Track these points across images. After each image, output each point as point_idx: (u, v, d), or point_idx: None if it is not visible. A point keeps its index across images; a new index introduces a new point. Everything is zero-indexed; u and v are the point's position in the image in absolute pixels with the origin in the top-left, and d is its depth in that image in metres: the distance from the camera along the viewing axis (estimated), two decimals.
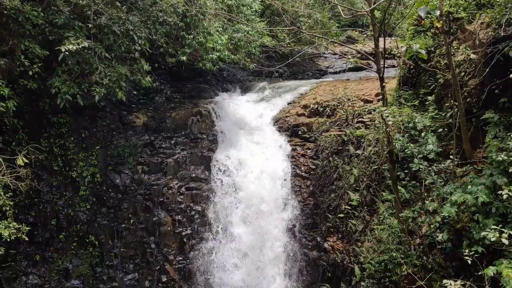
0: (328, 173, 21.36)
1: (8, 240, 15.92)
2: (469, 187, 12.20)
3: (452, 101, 14.33)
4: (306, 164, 22.73)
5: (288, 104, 26.41)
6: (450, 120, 14.59)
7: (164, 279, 22.41)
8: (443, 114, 15.63)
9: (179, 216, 22.96)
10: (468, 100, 14.35)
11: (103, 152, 22.41)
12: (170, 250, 22.67)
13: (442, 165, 14.34)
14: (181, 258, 22.74)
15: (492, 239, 10.54)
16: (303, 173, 22.63)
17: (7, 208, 16.57)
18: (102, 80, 18.10)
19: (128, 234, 22.17)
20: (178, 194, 23.11)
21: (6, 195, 16.70)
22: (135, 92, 24.55)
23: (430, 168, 14.49)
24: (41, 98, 19.68)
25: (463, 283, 10.95)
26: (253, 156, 23.69)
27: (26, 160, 16.92)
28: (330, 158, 21.31)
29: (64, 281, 20.14)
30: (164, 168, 23.22)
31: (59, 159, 20.92)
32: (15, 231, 16.15)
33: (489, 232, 10.72)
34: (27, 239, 16.75)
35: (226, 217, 22.97)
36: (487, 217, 11.78)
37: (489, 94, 13.47)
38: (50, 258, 20.12)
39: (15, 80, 17.79)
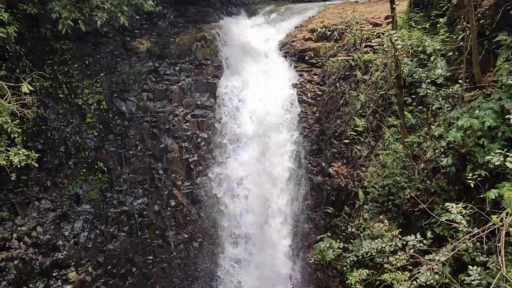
0: (334, 99, 21.17)
1: (19, 166, 16.20)
2: (477, 111, 12.04)
3: (464, 22, 13.81)
4: (312, 90, 22.49)
5: (295, 28, 25.69)
6: (461, 43, 14.14)
7: (172, 203, 23.04)
8: (454, 37, 15.13)
9: (186, 143, 23.19)
10: (481, 21, 13.81)
11: (107, 79, 22.26)
12: (177, 176, 23.13)
13: (450, 89, 14.08)
14: (188, 184, 23.25)
15: (496, 163, 10.54)
16: (309, 100, 22.45)
17: (16, 135, 16.73)
18: (103, 4, 17.62)
19: (136, 161, 22.53)
20: (184, 121, 23.19)
21: (14, 122, 16.82)
22: (137, 17, 23.87)
23: (438, 93, 14.26)
24: (42, 23, 19.27)
25: (464, 205, 11.12)
26: (259, 82, 23.42)
27: (31, 88, 16.84)
28: (337, 84, 21.03)
29: (75, 205, 20.76)
30: (169, 95, 23.12)
31: (64, 86, 20.82)
32: (24, 157, 16.40)
33: (494, 156, 10.70)
34: (37, 165, 17.07)
35: (233, 143, 23.22)
36: (492, 142, 11.72)
37: (503, 15, 12.93)
38: (61, 183, 20.61)
39: (14, 5, 17.33)
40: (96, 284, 20.89)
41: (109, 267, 21.38)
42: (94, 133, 21.67)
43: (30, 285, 18.60)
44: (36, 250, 19.09)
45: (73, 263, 20.11)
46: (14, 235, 18.51)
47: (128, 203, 22.13)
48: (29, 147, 18.23)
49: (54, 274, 19.48)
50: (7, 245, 18.20)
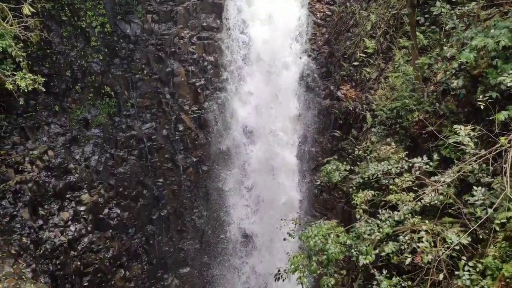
0: (344, 20, 20.52)
1: (26, 91, 16.20)
2: (492, 30, 11.61)
3: None
4: (322, 10, 21.75)
5: None
6: None
7: (180, 128, 23.17)
8: None
9: (192, 67, 22.87)
10: None
11: (110, 1, 21.55)
12: (185, 100, 23.06)
13: (466, 8, 13.52)
14: (196, 108, 23.23)
15: (509, 84, 10.32)
16: (318, 20, 21.78)
17: (21, 59, 16.56)
18: None
19: (142, 85, 22.38)
20: (190, 44, 22.71)
21: (18, 46, 16.59)
22: None
23: (452, 12, 13.70)
24: None
25: (473, 127, 11.05)
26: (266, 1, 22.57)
27: (32, 9, 16.39)
28: (347, 3, 20.29)
29: (84, 130, 20.96)
30: (174, 16, 22.45)
31: (66, 8, 20.24)
32: (31, 82, 16.34)
33: (507, 76, 10.46)
34: (44, 89, 17.04)
35: (239, 64, 22.91)
36: (506, 62, 11.41)
37: None
38: (69, 108, 20.68)
39: None
40: (109, 205, 21.58)
41: (120, 189, 21.95)
42: (99, 57, 21.37)
43: (45, 207, 19.24)
44: (49, 173, 19.54)
45: (85, 186, 20.65)
46: (27, 159, 18.88)
47: (136, 128, 22.28)
48: (35, 72, 18.10)
49: (67, 196, 20.08)
50: (20, 168, 18.62)
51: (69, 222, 19.95)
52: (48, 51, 19.99)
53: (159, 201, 23.49)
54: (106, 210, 21.45)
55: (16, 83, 16.03)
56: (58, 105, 20.30)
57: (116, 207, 21.80)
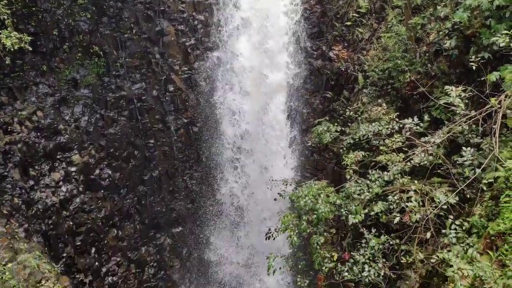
0: None
1: (12, 50, 15.88)
2: None
3: None
4: None
5: None
6: None
7: (171, 88, 22.95)
8: None
9: (182, 26, 22.44)
10: None
11: None
12: (175, 60, 22.74)
13: None
14: (186, 68, 22.94)
15: (502, 44, 10.28)
16: None
17: (5, 17, 16.16)
18: None
19: (131, 44, 21.97)
20: (180, 2, 22.19)
21: (1, 3, 16.15)
22: None
23: None
24: None
25: (464, 88, 11.07)
26: None
27: None
28: None
29: (73, 90, 20.67)
30: None
31: None
32: (17, 40, 16.01)
33: (500, 37, 10.41)
34: (30, 49, 16.74)
35: (231, 26, 22.52)
36: (500, 22, 11.32)
37: None
38: (57, 68, 20.31)
39: None
40: (100, 166, 21.56)
41: (111, 150, 21.90)
42: (87, 15, 20.84)
43: (36, 167, 19.20)
44: (38, 134, 19.39)
45: (75, 146, 20.57)
46: (15, 120, 18.68)
47: (126, 88, 22.03)
48: (20, 30, 17.68)
49: (58, 157, 20.02)
50: (9, 129, 18.45)
51: (61, 183, 19.97)
52: (34, 8, 19.44)
53: (150, 162, 23.51)
54: (97, 171, 21.46)
55: (1, 41, 15.69)
56: (46, 64, 19.92)
57: (107, 167, 21.81)
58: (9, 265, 14.33)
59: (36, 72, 19.71)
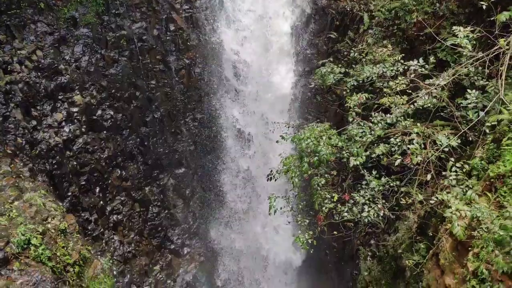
0: None
1: None
2: None
3: None
4: None
5: None
6: None
7: (172, 27, 22.42)
8: None
9: None
10: None
11: None
12: None
13: None
14: (187, 7, 22.29)
15: None
16: None
17: None
18: None
19: None
20: None
21: None
22: None
23: None
24: None
25: (472, 29, 10.79)
26: None
27: None
28: None
29: (73, 29, 20.23)
30: None
31: None
32: None
33: None
34: None
35: None
36: None
37: None
38: (55, 6, 19.74)
39: None
40: (102, 107, 21.50)
41: (113, 91, 21.75)
42: None
43: (38, 108, 19.16)
44: (39, 73, 19.19)
45: (77, 87, 20.42)
46: (15, 59, 18.42)
47: (126, 27, 21.54)
48: None
49: (59, 97, 19.92)
50: (9, 69, 18.23)
51: (63, 123, 20.01)
52: None
53: (152, 103, 23.42)
54: (99, 112, 21.43)
55: None
56: (43, 2, 19.38)
57: (109, 108, 21.76)
58: (16, 203, 14.61)
59: (33, 10, 19.20)
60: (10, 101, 18.01)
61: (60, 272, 14.19)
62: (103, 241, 22.38)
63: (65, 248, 14.84)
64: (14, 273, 12.52)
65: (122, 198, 23.23)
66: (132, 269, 24.17)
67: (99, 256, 19.72)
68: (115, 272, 22.38)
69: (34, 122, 18.86)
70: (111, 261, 20.89)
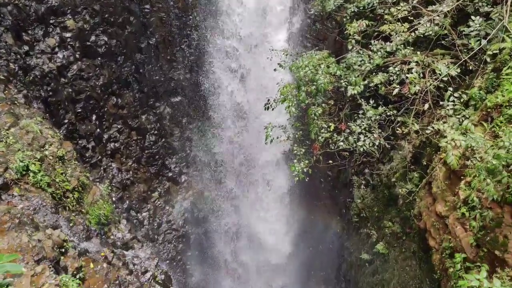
0: None
1: None
2: None
3: None
4: None
5: None
6: None
7: None
8: None
9: None
10: None
11: None
12: None
13: None
14: None
15: None
16: None
17: None
18: None
19: None
20: None
21: None
22: None
23: None
24: None
25: None
26: None
27: None
28: None
29: None
30: None
31: None
32: None
33: None
34: None
35: None
36: None
37: None
38: None
39: None
40: (95, 32, 20.90)
41: (106, 15, 21.05)
42: None
43: (29, 32, 18.58)
44: None
45: (69, 11, 19.71)
46: None
47: None
48: None
49: (51, 22, 19.27)
50: None
51: (56, 49, 19.52)
52: None
53: (147, 29, 22.79)
54: (93, 37, 20.86)
55: None
56: None
57: (103, 34, 21.16)
58: (12, 130, 14.57)
59: None
60: (0, 25, 17.45)
61: (60, 198, 14.47)
62: (101, 168, 22.66)
63: (63, 175, 15.03)
64: (15, 199, 12.75)
65: (118, 126, 23.23)
66: (131, 195, 24.69)
67: (97, 183, 20.03)
68: (114, 198, 22.87)
69: (26, 48, 18.39)
70: (109, 188, 21.29)
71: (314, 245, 26.93)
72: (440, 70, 10.43)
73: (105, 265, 13.59)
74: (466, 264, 9.15)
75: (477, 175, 8.65)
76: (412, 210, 12.96)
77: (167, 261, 26.70)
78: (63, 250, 12.33)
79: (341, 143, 12.99)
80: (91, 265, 13.28)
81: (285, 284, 29.95)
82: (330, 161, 15.13)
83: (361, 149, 12.60)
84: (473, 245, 9.21)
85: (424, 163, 12.37)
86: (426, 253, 12.71)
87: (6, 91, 16.19)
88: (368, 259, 17.23)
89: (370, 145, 12.42)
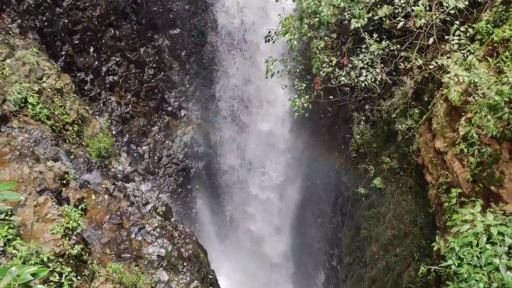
0: None
1: None
2: None
3: None
4: None
5: None
6: None
7: None
8: None
9: None
10: None
11: None
12: None
13: None
14: None
15: None
16: None
17: None
18: None
19: None
20: None
21: None
22: None
23: None
24: None
25: None
26: None
27: None
28: None
29: None
30: None
31: None
32: None
33: None
34: None
35: None
36: None
37: None
38: None
39: None
40: None
41: None
42: None
43: None
44: None
45: None
46: None
47: None
48: None
49: None
50: None
51: None
52: None
53: None
54: None
55: None
56: None
57: None
58: (8, 61, 14.29)
59: None
60: None
61: (60, 130, 14.48)
62: (100, 101, 22.55)
63: (62, 108, 14.95)
64: (14, 131, 12.75)
65: (117, 59, 22.85)
66: (131, 129, 24.75)
67: (97, 116, 20.01)
68: (113, 132, 22.94)
69: None
70: (109, 121, 21.30)
71: (311, 179, 27.35)
72: (447, 3, 10.08)
73: (106, 196, 13.83)
74: (461, 199, 9.31)
75: (478, 111, 8.59)
76: (410, 146, 13.02)
77: (168, 194, 27.24)
78: (64, 181, 12.49)
79: (343, 78, 12.85)
80: (93, 197, 13.53)
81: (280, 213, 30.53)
82: (331, 97, 15.03)
83: (363, 85, 12.48)
84: (470, 181, 9.33)
85: (426, 99, 12.27)
86: (423, 188, 12.93)
87: (0, 20, 15.77)
88: (365, 193, 17.54)
89: (372, 80, 12.29)
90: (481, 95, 8.63)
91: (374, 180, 16.09)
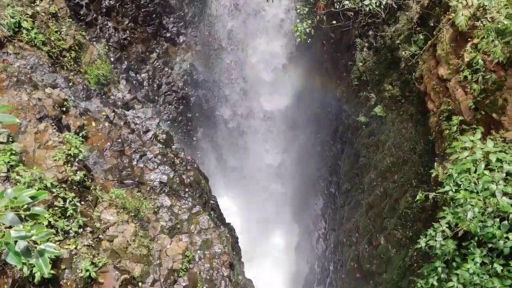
0: None
1: None
2: None
3: None
4: None
5: None
6: None
7: None
8: None
9: None
10: None
11: None
12: None
13: None
14: None
15: None
16: None
17: None
18: None
19: None
20: None
21: None
22: None
23: None
24: None
25: None
26: None
27: None
28: None
29: None
30: None
31: None
32: None
33: None
34: None
35: None
36: None
37: None
38: None
39: None
40: None
41: None
42: None
43: None
44: None
45: None
46: None
47: None
48: None
49: None
50: None
51: None
52: None
53: None
54: None
55: None
56: None
57: None
58: None
59: None
60: None
61: (57, 57, 14.22)
62: (97, 27, 21.92)
63: (58, 33, 14.58)
64: (10, 57, 12.51)
65: None
66: (129, 56, 24.28)
67: (94, 43, 19.55)
68: (112, 59, 22.51)
69: None
70: (106, 48, 20.84)
71: (312, 107, 27.25)
72: None
73: (107, 124, 13.83)
74: (462, 127, 9.28)
75: (485, 36, 8.35)
76: (413, 73, 12.82)
77: (168, 122, 27.23)
78: (64, 109, 12.44)
79: (347, 2, 12.41)
80: (93, 124, 13.52)
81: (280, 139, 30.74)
82: (334, 22, 14.59)
83: (367, 9, 12.06)
84: (472, 108, 9.25)
85: (431, 24, 11.90)
86: (424, 116, 12.88)
87: None
88: (365, 121, 17.55)
89: (377, 4, 11.87)
90: (490, 19, 8.34)
91: (375, 108, 16.02)
